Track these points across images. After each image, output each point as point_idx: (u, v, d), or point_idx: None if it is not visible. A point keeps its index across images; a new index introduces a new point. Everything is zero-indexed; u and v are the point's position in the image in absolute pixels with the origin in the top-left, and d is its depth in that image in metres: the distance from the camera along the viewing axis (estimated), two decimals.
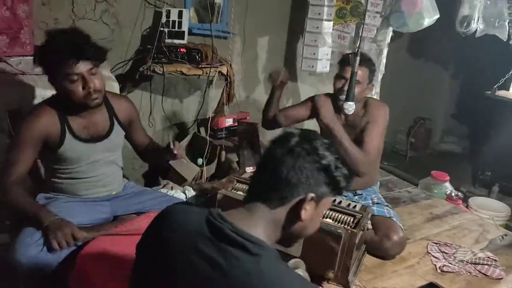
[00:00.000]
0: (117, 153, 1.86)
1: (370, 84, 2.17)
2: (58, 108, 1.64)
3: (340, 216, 1.82)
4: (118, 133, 1.80)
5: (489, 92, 3.64)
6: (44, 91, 1.97)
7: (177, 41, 2.56)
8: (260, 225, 0.93)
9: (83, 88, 1.57)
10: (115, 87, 2.28)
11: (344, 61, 2.14)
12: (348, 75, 2.06)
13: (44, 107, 1.65)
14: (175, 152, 1.74)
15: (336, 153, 0.97)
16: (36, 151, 1.63)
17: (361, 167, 2.08)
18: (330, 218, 1.81)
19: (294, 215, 0.96)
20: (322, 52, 3.03)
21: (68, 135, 1.66)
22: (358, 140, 2.11)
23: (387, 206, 2.17)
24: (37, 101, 1.97)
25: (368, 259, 1.98)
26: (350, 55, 2.13)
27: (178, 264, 0.89)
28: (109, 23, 2.53)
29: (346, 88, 2.06)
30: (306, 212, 0.95)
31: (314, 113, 2.27)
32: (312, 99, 2.31)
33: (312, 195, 0.94)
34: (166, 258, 0.91)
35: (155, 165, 2.64)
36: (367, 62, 2.11)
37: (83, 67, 1.55)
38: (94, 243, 1.52)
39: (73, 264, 1.46)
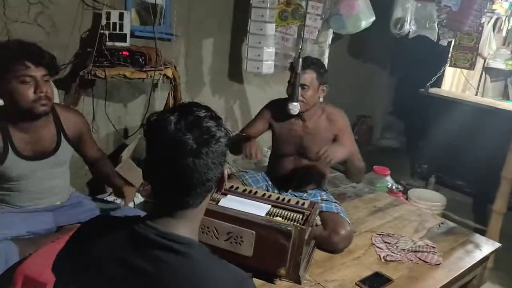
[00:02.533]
0: (63, 169, 1.78)
1: (324, 86, 2.19)
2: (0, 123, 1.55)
3: (289, 213, 1.87)
4: (65, 149, 1.73)
5: (423, 89, 3.87)
6: None
7: (118, 44, 2.49)
8: (183, 224, 0.89)
9: (34, 92, 1.52)
10: (54, 93, 2.18)
11: (290, 67, 2.18)
12: (301, 80, 2.11)
13: None
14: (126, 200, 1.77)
15: (221, 125, 0.89)
16: None
17: None
18: (279, 216, 1.85)
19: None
20: (266, 54, 3.08)
21: (10, 152, 1.57)
22: (319, 145, 2.13)
23: (336, 202, 2.25)
24: None
25: (318, 253, 2.04)
26: (294, 59, 2.17)
27: (101, 280, 0.86)
28: (45, 25, 2.42)
29: (299, 97, 2.10)
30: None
31: (272, 122, 2.28)
32: (268, 109, 2.32)
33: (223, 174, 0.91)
34: (87, 276, 0.87)
35: None
36: (313, 65, 2.14)
37: (38, 71, 1.52)
38: (35, 258, 1.45)
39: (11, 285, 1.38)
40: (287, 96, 2.17)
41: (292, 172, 2.29)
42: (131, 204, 2.29)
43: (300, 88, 2.11)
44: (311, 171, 2.30)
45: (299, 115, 2.19)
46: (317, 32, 3.15)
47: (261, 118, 2.33)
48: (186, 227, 0.89)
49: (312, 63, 2.14)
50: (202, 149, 0.84)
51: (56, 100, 2.20)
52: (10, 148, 1.57)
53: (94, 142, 1.93)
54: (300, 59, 2.07)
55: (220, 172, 0.89)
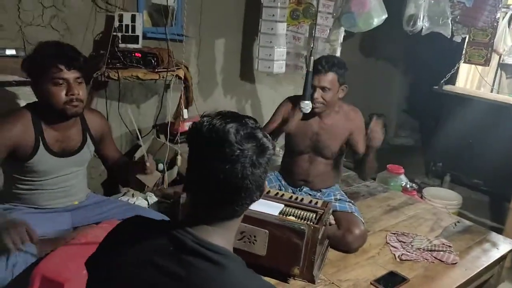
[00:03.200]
0: (84, 167, 1.84)
1: (343, 87, 2.18)
2: (34, 118, 1.60)
3: (302, 213, 1.87)
4: (89, 148, 1.78)
5: (436, 87, 3.82)
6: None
7: (131, 46, 2.51)
8: (220, 233, 0.90)
9: (66, 94, 1.56)
10: None
11: (315, 69, 2.13)
12: (316, 83, 2.10)
13: (20, 114, 1.60)
14: (147, 165, 1.76)
15: (268, 136, 0.90)
16: (2, 156, 1.56)
17: None
18: (292, 215, 1.85)
19: None
20: (277, 53, 3.07)
21: (41, 148, 1.61)
22: (335, 142, 2.20)
23: (349, 202, 2.24)
24: None
25: (332, 253, 2.03)
26: (321, 59, 2.13)
27: (134, 281, 0.86)
28: (59, 28, 2.45)
29: (316, 96, 2.10)
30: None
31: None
32: (284, 106, 2.30)
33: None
34: (120, 276, 0.88)
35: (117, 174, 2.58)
36: (335, 67, 2.11)
37: (70, 74, 1.57)
38: (52, 259, 1.47)
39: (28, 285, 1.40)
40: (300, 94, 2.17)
41: (306, 170, 2.28)
42: (144, 204, 2.31)
43: (321, 90, 2.11)
44: (326, 170, 2.29)
45: (316, 112, 2.17)
46: (328, 31, 3.13)
47: (279, 115, 2.31)
48: (223, 237, 0.90)
49: (333, 64, 2.11)
50: (260, 159, 0.86)
51: None
52: (41, 143, 1.62)
53: (114, 144, 1.97)
54: (312, 57, 2.06)
55: (263, 182, 0.91)
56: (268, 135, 0.91)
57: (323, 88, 2.11)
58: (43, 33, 2.38)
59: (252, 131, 0.87)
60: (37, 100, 1.64)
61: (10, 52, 2.16)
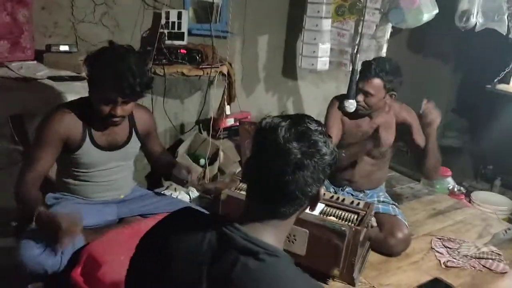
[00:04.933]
0: (131, 162, 1.88)
1: (392, 93, 2.08)
2: (83, 111, 1.65)
3: (343, 213, 1.84)
4: (135, 143, 1.82)
5: (489, 86, 3.64)
6: (45, 96, 1.98)
7: (177, 42, 2.56)
8: (271, 232, 0.89)
9: (109, 111, 1.58)
10: None
11: (362, 71, 2.08)
12: (360, 86, 2.06)
13: (70, 108, 1.65)
14: (190, 180, 1.78)
15: (329, 143, 0.89)
16: (57, 151, 1.63)
17: None
18: (333, 216, 1.82)
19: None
20: (322, 50, 3.03)
21: (87, 140, 1.67)
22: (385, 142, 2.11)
23: (393, 204, 2.18)
24: (39, 106, 1.97)
25: (373, 256, 1.99)
26: (371, 63, 2.06)
27: (180, 273, 0.87)
28: (109, 25, 2.53)
29: (358, 99, 2.06)
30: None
31: (342, 118, 2.22)
32: (335, 107, 2.22)
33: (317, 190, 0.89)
34: (167, 265, 0.89)
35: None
36: (382, 73, 2.02)
37: (119, 100, 1.57)
38: (101, 240, 1.54)
39: (77, 263, 1.48)
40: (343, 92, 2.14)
41: (352, 170, 2.23)
42: (186, 198, 2.36)
43: (363, 95, 2.06)
44: (373, 171, 2.24)
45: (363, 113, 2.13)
46: (375, 27, 3.05)
47: (335, 118, 2.20)
48: (273, 235, 0.89)
49: (382, 70, 2.02)
50: (305, 161, 0.84)
51: None
52: (88, 136, 1.67)
53: (159, 140, 2.00)
54: (358, 55, 2.01)
55: (316, 189, 0.88)
56: (330, 141, 0.88)
57: (366, 93, 2.06)
58: (94, 29, 2.47)
59: (306, 131, 0.85)
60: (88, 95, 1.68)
61: (63, 48, 2.25)
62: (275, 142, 0.84)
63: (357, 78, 2.11)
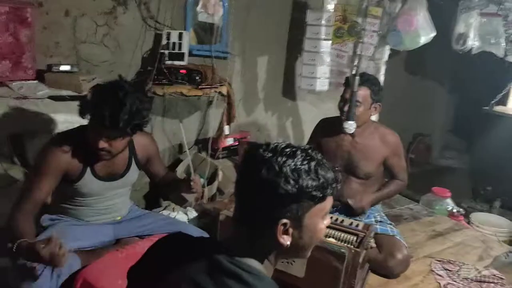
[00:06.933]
0: (128, 188, 1.87)
1: (376, 105, 2.13)
2: (83, 142, 1.61)
3: (342, 235, 1.82)
4: (134, 172, 1.81)
5: (486, 108, 3.66)
6: (45, 115, 1.99)
7: (177, 63, 2.58)
8: (259, 255, 0.90)
9: (100, 144, 1.56)
10: None
11: (345, 83, 2.16)
12: (348, 95, 2.08)
13: (70, 138, 1.63)
14: (193, 188, 1.78)
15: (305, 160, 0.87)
16: (56, 181, 1.61)
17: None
18: (332, 237, 1.81)
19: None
20: (321, 71, 3.06)
21: (88, 172, 1.66)
22: (367, 163, 2.15)
23: (390, 224, 2.17)
24: (39, 125, 1.97)
25: (372, 278, 1.97)
26: (350, 76, 2.14)
27: None
28: (110, 46, 2.56)
29: (346, 109, 2.08)
30: (288, 237, 0.88)
31: (321, 140, 2.27)
32: (318, 128, 2.34)
33: (284, 221, 0.86)
34: None
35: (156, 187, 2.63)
36: (368, 82, 2.09)
37: (103, 132, 1.54)
38: (96, 265, 1.51)
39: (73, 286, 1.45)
40: (338, 114, 2.16)
41: (339, 190, 2.21)
42: (184, 218, 2.34)
43: (347, 104, 2.09)
44: (362, 190, 2.23)
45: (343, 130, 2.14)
46: (373, 49, 3.09)
47: (313, 141, 2.31)
48: (261, 259, 0.90)
49: (367, 80, 2.10)
50: (269, 185, 0.85)
51: None
52: (88, 168, 1.66)
53: (161, 162, 1.99)
54: (357, 77, 2.03)
55: (285, 215, 0.86)
56: (303, 172, 0.85)
57: (356, 101, 2.07)
58: (96, 50, 2.49)
59: (278, 159, 0.85)
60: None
61: (64, 68, 2.26)
62: (248, 166, 0.89)
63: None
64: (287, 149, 0.88)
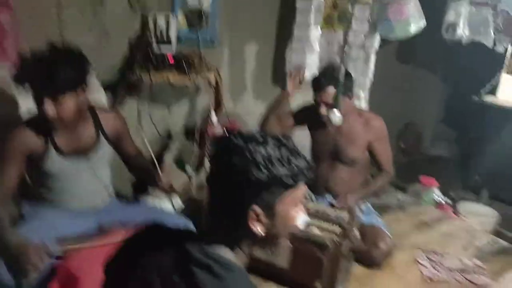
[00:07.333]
0: (104, 169, 1.83)
1: (349, 94, 2.14)
2: (44, 122, 1.59)
3: (326, 225, 1.82)
4: (104, 148, 1.78)
5: (476, 97, 3.67)
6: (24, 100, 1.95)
7: (164, 49, 2.54)
8: (229, 242, 0.89)
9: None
10: (102, 97, 2.27)
11: (314, 85, 2.17)
12: (319, 99, 2.12)
13: (29, 121, 1.63)
14: (161, 180, 1.77)
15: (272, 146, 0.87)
16: (21, 166, 1.61)
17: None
18: (316, 227, 1.81)
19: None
20: (310, 59, 3.03)
21: (51, 151, 1.64)
22: (352, 148, 2.15)
23: (375, 214, 2.17)
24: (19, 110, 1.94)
25: (356, 268, 1.98)
26: (319, 75, 2.18)
27: None
28: (96, 31, 2.51)
29: (323, 112, 2.11)
30: (261, 225, 0.88)
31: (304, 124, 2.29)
32: (301, 113, 2.37)
33: (256, 209, 0.86)
34: (133, 284, 0.89)
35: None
36: (332, 82, 2.08)
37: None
38: (77, 254, 1.50)
39: (53, 275, 1.45)
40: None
41: (326, 176, 2.24)
42: (170, 207, 2.33)
43: (325, 106, 2.09)
44: (349, 178, 2.23)
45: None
46: (363, 37, 3.06)
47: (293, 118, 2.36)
48: (234, 247, 0.89)
49: (332, 78, 2.09)
50: (235, 173, 0.85)
51: (104, 102, 2.28)
52: (51, 146, 1.64)
53: (132, 142, 1.95)
54: (343, 67, 2.01)
55: (250, 201, 0.86)
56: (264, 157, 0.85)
57: (326, 103, 2.07)
58: (82, 36, 2.44)
59: (247, 147, 0.85)
60: None
61: None
62: (220, 154, 0.89)
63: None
64: (259, 137, 0.87)
